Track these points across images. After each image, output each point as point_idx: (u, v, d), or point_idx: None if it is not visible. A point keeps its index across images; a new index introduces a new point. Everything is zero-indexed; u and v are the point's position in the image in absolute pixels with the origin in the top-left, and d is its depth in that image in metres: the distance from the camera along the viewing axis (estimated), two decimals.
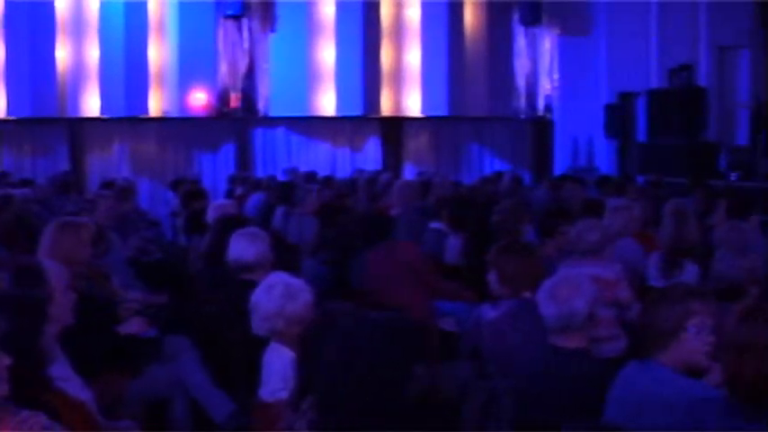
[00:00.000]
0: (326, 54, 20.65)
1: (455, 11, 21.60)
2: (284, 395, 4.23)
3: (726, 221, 8.28)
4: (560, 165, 21.12)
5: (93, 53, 19.33)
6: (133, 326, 6.40)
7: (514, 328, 5.26)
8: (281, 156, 20.43)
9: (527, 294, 5.34)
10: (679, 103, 17.87)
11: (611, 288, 6.21)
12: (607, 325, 5.89)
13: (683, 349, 3.93)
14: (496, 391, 4.69)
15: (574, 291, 4.63)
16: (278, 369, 4.79)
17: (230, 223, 7.40)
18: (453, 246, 8.98)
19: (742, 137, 19.51)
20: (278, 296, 4.94)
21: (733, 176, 16.55)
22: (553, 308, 4.62)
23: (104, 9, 19.15)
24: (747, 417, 3.30)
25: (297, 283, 5.08)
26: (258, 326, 5.00)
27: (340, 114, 20.80)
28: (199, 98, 19.76)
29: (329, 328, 3.74)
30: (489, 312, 5.58)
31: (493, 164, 21.38)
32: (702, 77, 19.13)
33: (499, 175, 15.99)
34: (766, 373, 3.25)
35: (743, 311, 3.45)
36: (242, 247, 6.49)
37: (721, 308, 4.51)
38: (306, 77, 20.54)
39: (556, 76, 21.86)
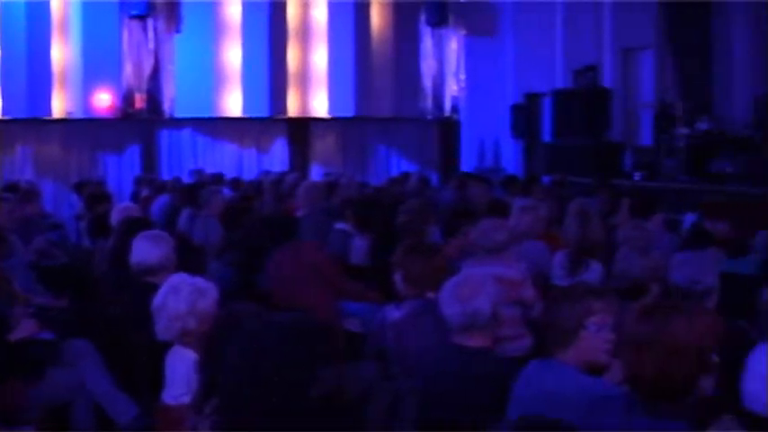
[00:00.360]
0: (232, 55, 20.54)
1: (361, 11, 21.63)
2: (187, 399, 4.20)
3: (629, 221, 8.42)
4: (467, 165, 21.25)
5: None
6: (24, 329, 6.28)
7: (417, 329, 5.27)
8: (187, 157, 20.25)
9: (430, 295, 5.36)
10: (584, 103, 18.12)
11: (515, 287, 6.26)
12: (511, 324, 5.93)
13: (584, 347, 3.97)
14: (401, 391, 4.69)
15: (477, 290, 4.66)
16: (181, 372, 4.75)
17: (134, 226, 7.34)
18: (359, 246, 8.98)
19: (646, 137, 19.85)
20: (187, 295, 4.91)
21: (637, 176, 16.82)
22: (456, 307, 4.64)
23: (5, 8, 18.79)
24: (648, 413, 3.34)
25: (202, 281, 5.06)
26: (166, 327, 4.95)
27: (246, 115, 20.71)
28: (103, 99, 19.51)
29: (232, 329, 3.73)
30: (393, 313, 5.60)
31: (400, 164, 21.45)
32: (607, 78, 19.42)
33: (406, 175, 16.04)
34: (666, 370, 3.30)
35: (642, 309, 3.51)
36: (145, 250, 6.43)
37: (624, 306, 4.58)
38: (212, 78, 20.41)
39: (462, 77, 22.01)
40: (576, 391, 3.82)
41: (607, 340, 3.97)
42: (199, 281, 5.04)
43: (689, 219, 10.13)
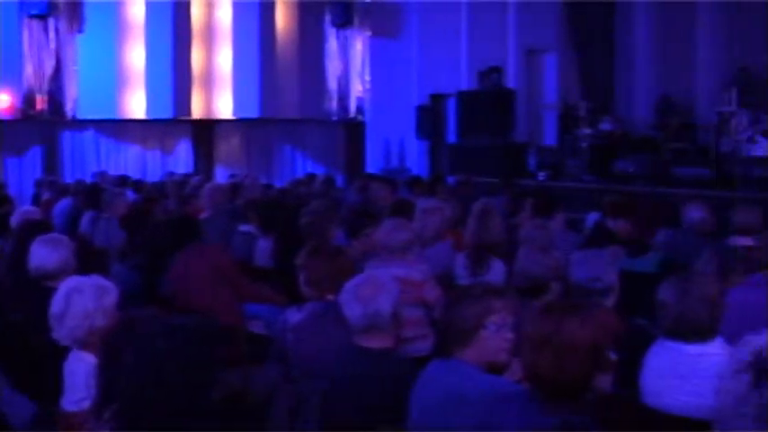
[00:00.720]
0: (136, 55, 20.32)
1: (266, 12, 21.54)
2: (88, 404, 4.15)
3: (531, 220, 8.52)
4: (373, 166, 21.29)
5: None
6: None
7: (318, 331, 5.25)
8: (90, 159, 20.01)
9: (331, 297, 5.36)
10: (489, 104, 18.26)
11: (418, 288, 6.29)
12: (414, 325, 5.96)
13: (484, 346, 3.99)
14: (303, 393, 4.69)
15: (378, 291, 4.66)
16: (81, 377, 4.68)
17: (33, 229, 7.22)
18: (263, 248, 8.95)
19: (550, 137, 20.12)
20: (92, 293, 4.83)
21: (541, 176, 17.01)
22: (357, 308, 4.63)
23: None
24: (547, 411, 3.37)
25: (101, 279, 4.99)
26: (74, 328, 4.85)
27: (150, 117, 20.50)
28: (3, 100, 19.15)
29: (131, 333, 3.69)
30: (295, 315, 5.58)
31: (306, 166, 21.44)
32: (511, 79, 19.61)
33: (311, 177, 16.04)
34: (563, 368, 3.33)
35: (541, 307, 3.54)
36: (43, 254, 6.33)
37: (524, 304, 4.63)
38: (115, 79, 20.16)
39: (367, 78, 22.04)
40: (475, 391, 3.84)
41: (506, 339, 4.00)
42: (98, 279, 4.97)
43: (591, 218, 10.26)
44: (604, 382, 3.42)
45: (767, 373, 2.59)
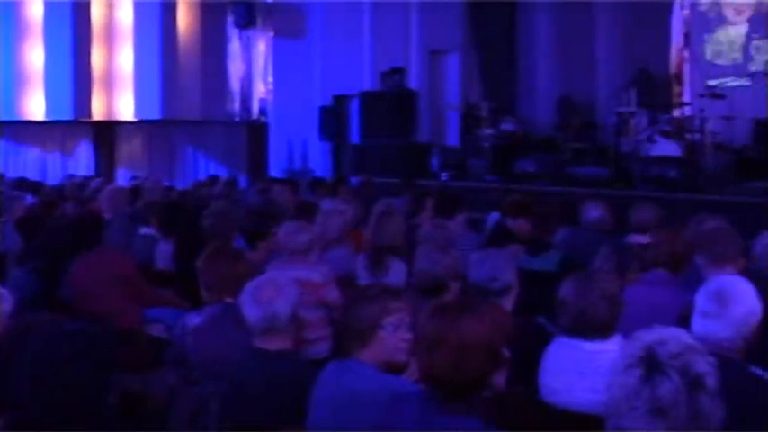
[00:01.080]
0: (35, 56, 19.99)
1: (168, 12, 21.34)
2: None
3: (431, 220, 8.57)
4: (276, 168, 21.23)
5: None
6: None
7: (217, 333, 5.23)
8: None
9: (229, 299, 5.33)
10: (391, 105, 18.32)
11: (318, 290, 6.29)
12: (315, 327, 5.96)
13: (382, 346, 4.02)
14: (203, 396, 4.66)
15: (276, 292, 4.65)
16: None
17: None
18: (163, 251, 8.87)
19: (452, 138, 20.23)
20: None
21: (444, 176, 17.10)
22: (256, 310, 4.62)
23: None
24: (443, 410, 3.39)
25: None
26: None
27: (50, 119, 20.17)
28: None
29: (26, 337, 3.64)
30: (194, 319, 5.55)
31: (208, 167, 21.28)
32: (414, 80, 19.68)
33: (214, 179, 15.94)
34: (458, 367, 3.35)
35: (435, 306, 3.56)
36: None
37: (423, 304, 4.64)
38: (13, 80, 19.79)
39: (270, 79, 21.97)
40: (373, 390, 3.87)
41: (404, 339, 4.03)
42: None
43: (493, 217, 10.34)
44: (499, 379, 3.46)
45: (658, 367, 2.63)
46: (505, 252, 5.61)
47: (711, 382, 2.66)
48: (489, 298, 5.09)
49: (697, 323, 4.19)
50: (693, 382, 2.64)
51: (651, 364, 2.64)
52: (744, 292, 4.22)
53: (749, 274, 5.84)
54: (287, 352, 4.67)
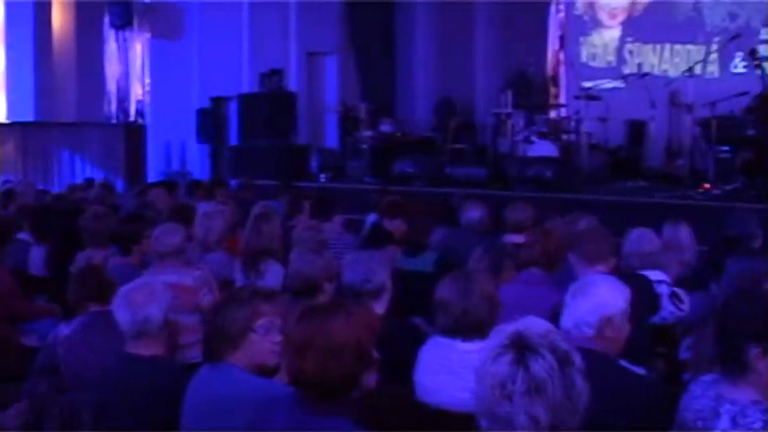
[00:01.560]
0: None
1: (41, 12, 20.97)
2: None
3: (308, 222, 8.56)
4: (154, 170, 20.97)
5: None
6: None
7: (88, 341, 5.16)
8: None
9: (97, 308, 5.27)
10: (270, 107, 18.25)
11: (192, 294, 6.24)
12: (190, 332, 5.89)
13: (253, 350, 4.01)
14: (75, 404, 4.59)
15: (148, 297, 4.60)
16: None
17: None
18: (37, 256, 8.70)
19: (331, 139, 20.24)
20: None
21: (323, 178, 17.11)
22: (128, 314, 4.57)
23: None
24: (313, 411, 3.39)
25: None
26: None
27: None
28: None
29: None
30: (64, 329, 5.47)
31: (85, 171, 20.93)
32: (293, 82, 19.64)
33: (90, 182, 15.68)
34: (327, 369, 3.35)
35: (304, 309, 3.56)
36: None
37: (297, 306, 4.62)
38: None
39: (148, 81, 21.70)
40: (244, 394, 3.86)
41: (275, 342, 4.02)
42: None
43: (370, 219, 10.38)
44: (369, 380, 3.47)
45: (529, 347, 2.67)
46: (378, 253, 5.63)
47: (577, 359, 2.72)
48: (363, 299, 5.10)
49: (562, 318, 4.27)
50: (563, 359, 2.68)
51: (522, 347, 2.68)
52: (604, 287, 4.29)
53: (619, 271, 5.97)
54: (160, 357, 4.62)
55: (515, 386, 2.65)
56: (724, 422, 3.61)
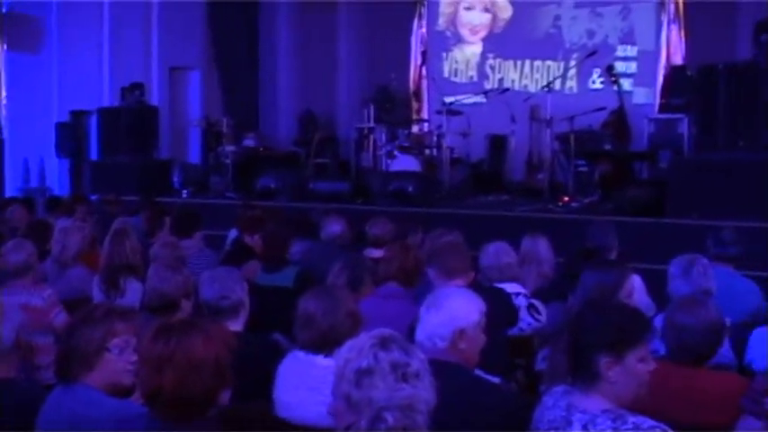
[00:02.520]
0: None
1: None
2: None
3: (168, 238, 8.47)
4: (12, 186, 20.48)
5: None
6: None
7: None
8: None
9: None
10: (131, 121, 18.00)
11: (43, 314, 6.14)
12: (45, 352, 5.79)
13: (108, 369, 3.95)
14: None
15: None
16: None
17: None
18: None
19: (194, 154, 20.09)
20: None
21: (186, 193, 16.95)
22: None
23: None
24: (171, 430, 3.37)
25: None
26: None
27: None
28: None
29: None
30: None
31: None
32: (155, 96, 19.43)
33: None
34: (184, 386, 3.33)
35: (159, 327, 3.53)
36: None
37: (154, 322, 4.57)
38: None
39: (4, 94, 21.20)
40: (99, 415, 3.80)
41: (130, 362, 3.96)
42: None
43: (232, 234, 10.34)
44: (224, 397, 3.46)
45: (392, 340, 2.90)
46: (236, 270, 5.60)
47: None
48: (220, 316, 5.08)
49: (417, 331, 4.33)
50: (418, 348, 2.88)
51: (385, 341, 2.82)
52: (457, 300, 4.34)
53: (477, 285, 6.07)
54: (12, 379, 4.52)
55: (384, 370, 2.85)
56: (575, 431, 3.68)
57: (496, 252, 6.71)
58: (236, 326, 5.12)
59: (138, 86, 18.39)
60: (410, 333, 4.39)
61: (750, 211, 10.27)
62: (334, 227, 8.90)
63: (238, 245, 9.21)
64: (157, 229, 9.47)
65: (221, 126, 18.23)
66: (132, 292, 6.85)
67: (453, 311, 4.25)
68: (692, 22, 16.45)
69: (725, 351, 5.22)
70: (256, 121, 20.74)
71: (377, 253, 7.74)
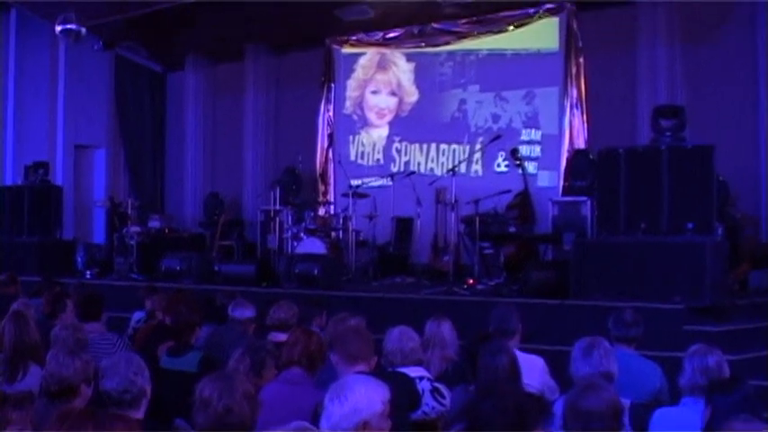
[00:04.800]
0: None
1: None
2: None
3: (70, 321, 8.34)
4: None
5: None
6: None
7: None
8: None
9: None
10: (34, 200, 17.78)
11: None
12: None
13: None
14: None
15: None
16: None
17: None
18: None
19: (98, 235, 19.92)
20: None
21: (89, 274, 16.75)
22: None
23: None
24: None
25: None
26: None
27: None
28: None
29: None
30: None
31: None
32: (59, 175, 19.27)
33: None
34: None
35: (58, 415, 3.48)
36: None
37: (53, 409, 4.51)
38: None
39: None
40: None
41: None
42: None
43: (136, 316, 10.23)
44: None
45: None
46: (138, 357, 5.51)
47: None
48: (122, 407, 4.98)
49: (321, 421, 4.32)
50: None
51: None
52: (360, 389, 4.34)
53: (380, 369, 6.08)
54: None
55: None
56: None
57: (400, 336, 6.72)
58: (137, 414, 5.04)
59: (41, 165, 18.20)
60: (314, 419, 4.39)
61: (651, 292, 10.46)
62: (239, 310, 8.84)
63: (142, 327, 9.12)
64: (59, 311, 9.30)
65: (126, 206, 18.10)
66: (31, 377, 6.72)
67: (356, 403, 4.25)
68: (593, 107, 16.83)
69: None
70: (162, 202, 20.66)
71: (281, 336, 7.71)
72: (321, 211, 17.59)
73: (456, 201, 14.87)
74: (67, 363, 5.51)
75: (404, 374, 6.37)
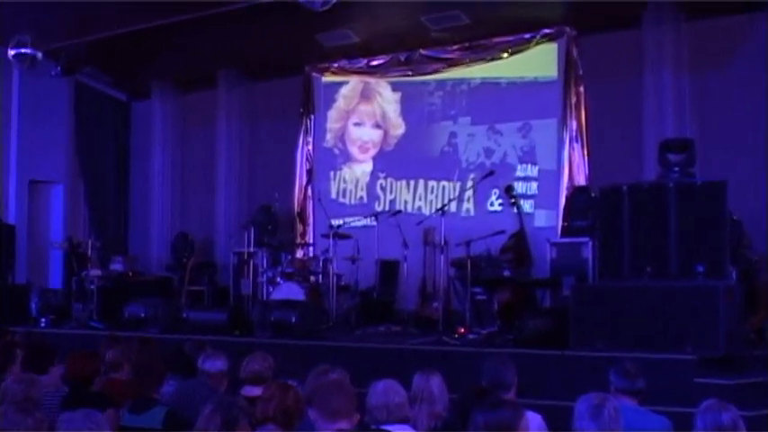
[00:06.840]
0: None
1: None
2: None
3: (20, 373, 8.26)
4: None
5: None
6: None
7: None
8: None
9: None
10: None
11: None
12: None
13: None
14: None
15: None
16: None
17: None
18: None
19: (55, 279, 19.82)
20: None
21: (44, 321, 16.67)
22: None
23: None
24: None
25: None
26: None
27: None
28: None
29: None
30: None
31: None
32: (12, 214, 19.19)
33: None
34: None
35: None
36: None
37: None
38: None
39: None
40: None
41: None
42: None
43: None
44: None
45: None
46: (98, 414, 5.44)
47: None
48: None
49: None
50: None
51: None
52: None
53: (364, 427, 6.02)
54: None
55: None
56: None
57: (385, 390, 6.66)
58: None
59: None
60: None
61: (659, 341, 10.40)
62: (209, 362, 8.77)
63: (113, 378, 9.05)
64: (9, 362, 9.22)
65: (86, 247, 18.05)
66: None
67: None
68: (594, 140, 16.78)
69: None
70: (125, 243, 20.60)
71: (255, 391, 7.65)
72: (299, 254, 17.58)
73: (446, 242, 14.84)
74: (18, 422, 5.43)
75: None
